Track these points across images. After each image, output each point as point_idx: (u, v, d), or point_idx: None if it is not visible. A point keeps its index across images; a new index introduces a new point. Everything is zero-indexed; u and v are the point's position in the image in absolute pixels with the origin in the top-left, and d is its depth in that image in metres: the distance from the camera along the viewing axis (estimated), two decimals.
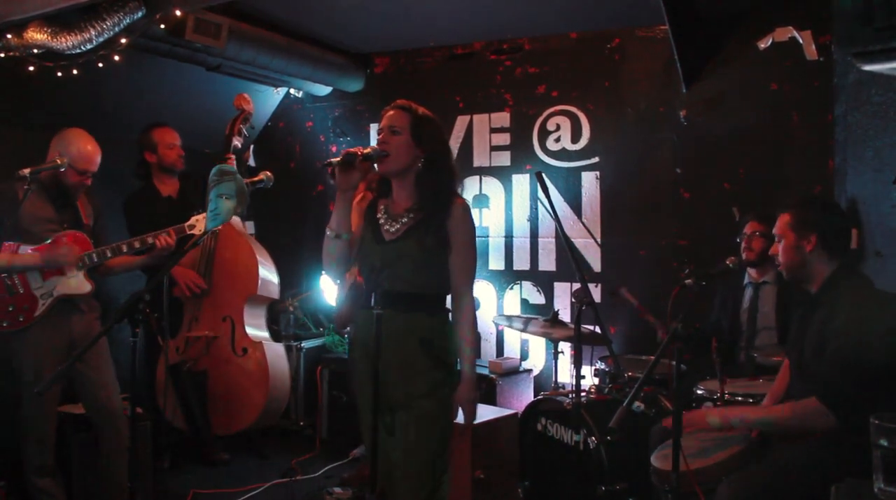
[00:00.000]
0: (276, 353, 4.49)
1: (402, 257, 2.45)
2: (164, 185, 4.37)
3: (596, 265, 4.64)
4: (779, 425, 2.47)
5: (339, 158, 2.38)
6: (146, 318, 2.46)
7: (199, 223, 3.37)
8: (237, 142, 4.38)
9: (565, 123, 4.75)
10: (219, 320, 4.42)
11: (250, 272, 4.43)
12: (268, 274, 4.51)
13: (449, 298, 2.56)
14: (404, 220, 2.49)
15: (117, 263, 3.48)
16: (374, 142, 5.69)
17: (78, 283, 3.29)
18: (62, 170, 3.24)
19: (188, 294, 4.33)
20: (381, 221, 2.53)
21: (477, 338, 2.56)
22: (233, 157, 4.33)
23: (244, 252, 4.48)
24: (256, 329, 4.49)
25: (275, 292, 4.61)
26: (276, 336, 4.74)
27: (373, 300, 2.37)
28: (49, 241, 3.27)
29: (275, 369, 4.41)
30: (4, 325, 3.24)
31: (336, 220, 2.46)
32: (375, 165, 2.48)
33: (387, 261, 2.45)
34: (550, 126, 4.80)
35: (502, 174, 5.00)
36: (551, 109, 4.80)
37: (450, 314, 2.55)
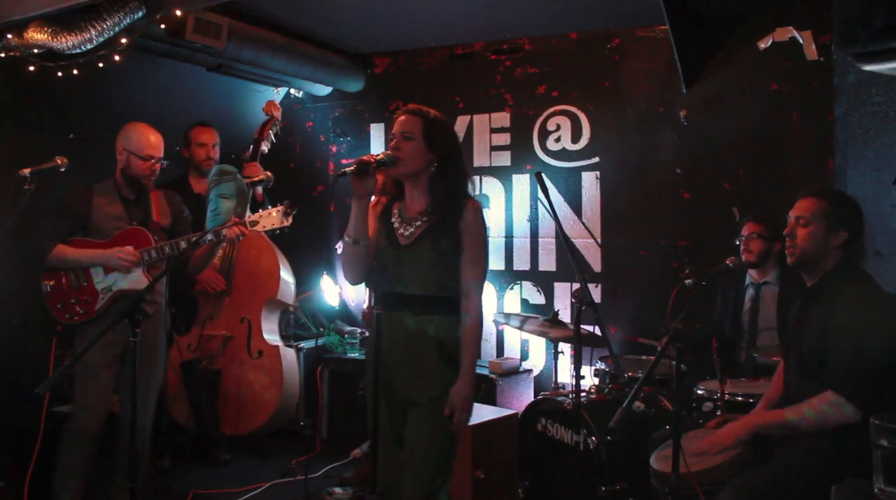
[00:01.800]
0: (289, 357, 4.49)
1: (418, 261, 2.45)
2: (196, 182, 4.44)
3: (596, 265, 4.64)
4: (800, 426, 2.41)
5: (352, 167, 2.37)
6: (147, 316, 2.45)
7: (262, 220, 3.18)
8: (265, 146, 4.55)
9: (565, 123, 4.75)
10: (236, 321, 4.43)
11: (272, 276, 4.45)
12: (288, 278, 4.53)
13: None
14: (418, 223, 2.50)
15: (196, 258, 3.46)
16: (374, 142, 5.72)
17: (136, 279, 3.30)
18: (62, 170, 3.26)
19: (210, 291, 4.36)
20: (395, 224, 2.53)
21: (480, 336, 2.54)
22: (258, 166, 4.40)
23: (267, 256, 4.50)
24: (271, 333, 4.50)
25: (291, 298, 4.63)
26: None
27: (373, 300, 2.37)
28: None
29: (288, 373, 4.42)
30: (67, 316, 3.31)
31: (353, 226, 2.46)
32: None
33: (402, 264, 2.46)
34: (550, 126, 4.80)
35: (502, 174, 5.00)
36: (551, 109, 4.80)
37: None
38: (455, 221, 2.46)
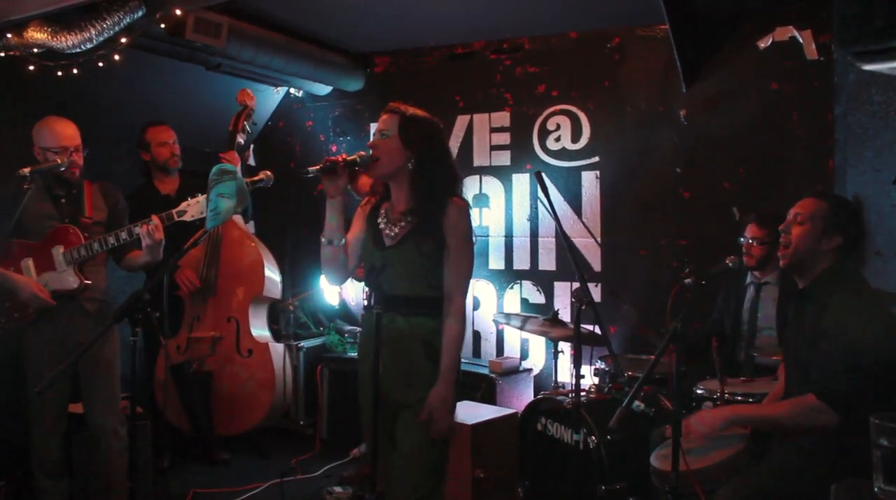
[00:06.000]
0: (279, 354, 4.49)
1: (402, 262, 2.44)
2: (162, 183, 4.36)
3: (596, 265, 4.64)
4: (778, 422, 2.44)
5: (318, 166, 2.38)
6: (147, 317, 2.45)
7: (190, 208, 3.03)
8: (241, 138, 4.37)
9: (565, 123, 4.75)
10: (223, 321, 4.41)
11: (256, 273, 4.43)
12: (272, 274, 4.51)
13: None
14: (402, 224, 2.49)
15: (130, 258, 3.37)
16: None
17: (66, 278, 3.24)
18: (62, 169, 3.24)
19: (185, 291, 4.32)
20: (381, 225, 2.53)
21: (462, 338, 2.49)
22: (235, 155, 4.30)
23: (250, 253, 4.48)
24: (260, 329, 4.48)
25: (278, 292, 4.61)
26: (276, 336, 4.74)
27: (371, 301, 2.37)
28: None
29: (279, 370, 4.41)
30: (2, 321, 3.24)
31: (327, 226, 2.47)
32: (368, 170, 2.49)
33: (388, 265, 2.45)
34: (550, 126, 4.80)
35: (502, 174, 5.00)
36: (551, 109, 4.80)
37: None
38: (438, 221, 2.43)
